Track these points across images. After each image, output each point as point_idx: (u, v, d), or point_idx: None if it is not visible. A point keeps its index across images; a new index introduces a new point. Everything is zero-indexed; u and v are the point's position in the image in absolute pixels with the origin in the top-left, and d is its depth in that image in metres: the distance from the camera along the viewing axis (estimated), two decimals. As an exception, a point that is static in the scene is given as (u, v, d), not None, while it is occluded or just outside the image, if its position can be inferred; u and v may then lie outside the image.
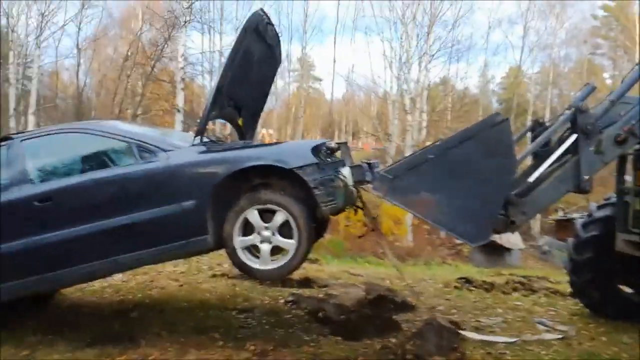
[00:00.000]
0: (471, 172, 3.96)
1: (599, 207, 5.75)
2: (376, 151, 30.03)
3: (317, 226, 4.56)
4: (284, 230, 4.02)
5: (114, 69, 24.54)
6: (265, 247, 4.05)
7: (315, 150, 4.02)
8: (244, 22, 4.59)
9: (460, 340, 4.64)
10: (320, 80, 41.01)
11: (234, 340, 4.58)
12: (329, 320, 5.22)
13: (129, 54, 21.63)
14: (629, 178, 5.39)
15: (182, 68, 17.45)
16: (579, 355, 4.49)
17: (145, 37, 22.68)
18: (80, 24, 24.36)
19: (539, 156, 4.85)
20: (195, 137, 4.43)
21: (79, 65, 24.67)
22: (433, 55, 21.03)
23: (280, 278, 4.52)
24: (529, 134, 5.50)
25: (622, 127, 4.41)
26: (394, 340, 4.63)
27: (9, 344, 4.33)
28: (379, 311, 5.47)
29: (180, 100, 17.34)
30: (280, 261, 4.08)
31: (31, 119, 19.51)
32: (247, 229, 4.09)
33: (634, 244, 5.03)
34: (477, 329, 5.24)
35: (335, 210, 4.08)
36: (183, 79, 17.54)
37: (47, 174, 4.45)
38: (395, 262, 4.84)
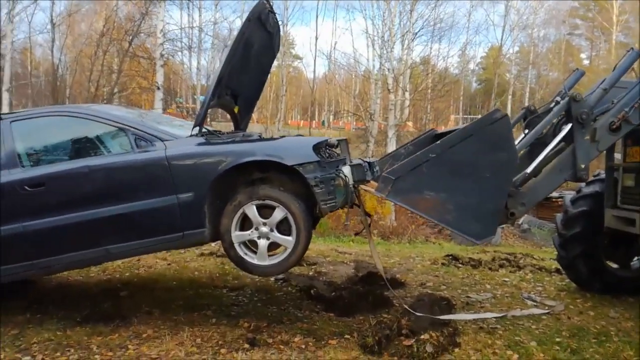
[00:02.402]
0: (473, 169, 3.94)
1: (588, 184, 5.81)
2: (358, 131, 30.04)
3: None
4: (283, 226, 3.98)
5: (90, 45, 23.83)
6: (263, 243, 4.01)
7: (317, 147, 3.97)
8: (249, 11, 4.50)
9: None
10: (301, 58, 40.67)
11: (227, 318, 4.56)
12: (321, 297, 5.23)
13: (105, 29, 21.03)
14: (618, 155, 5.45)
15: (162, 44, 17.00)
16: (569, 329, 4.56)
17: (122, 12, 22.10)
18: (54, -2, 23.58)
19: (532, 145, 4.84)
20: (194, 127, 4.32)
21: (53, 41, 23.87)
22: (416, 34, 20.95)
23: (277, 274, 4.51)
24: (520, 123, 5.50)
25: (617, 115, 4.39)
26: (386, 315, 4.65)
27: (-4, 323, 4.24)
28: (369, 288, 5.48)
29: (159, 78, 16.94)
30: (278, 257, 4.05)
31: (5, 96, 18.89)
32: (245, 223, 4.04)
33: (623, 220, 5.11)
34: (467, 304, 5.30)
35: (334, 209, 4.04)
36: (162, 55, 17.10)
37: (39, 158, 4.33)
38: (378, 264, 4.78)
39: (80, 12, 27.86)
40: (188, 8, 23.50)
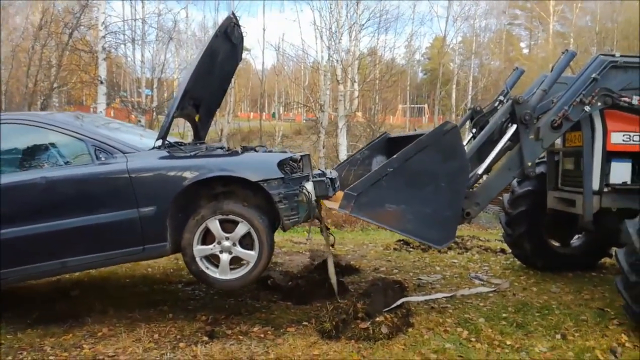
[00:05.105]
0: (429, 179, 4.13)
1: (533, 164, 6.10)
2: (309, 122, 30.12)
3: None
4: (245, 241, 4.00)
5: (26, 39, 22.69)
6: (225, 257, 4.02)
7: (281, 164, 4.01)
8: (217, 26, 4.62)
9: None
10: (249, 50, 40.18)
11: (184, 312, 4.55)
12: (277, 287, 5.29)
13: (43, 22, 20.08)
14: (558, 140, 5.75)
15: (104, 37, 16.43)
16: (514, 305, 4.82)
17: (60, 4, 21.15)
18: (-16, -11, 22.26)
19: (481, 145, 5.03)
20: (157, 139, 4.27)
21: (-15, 35, 22.57)
22: (363, 25, 21.17)
23: (239, 288, 4.54)
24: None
25: (557, 114, 4.64)
26: (342, 301, 4.75)
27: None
28: (325, 275, 5.57)
29: (102, 71, 16.38)
30: (240, 272, 4.06)
31: None
32: (207, 237, 4.03)
33: (564, 201, 5.41)
34: (418, 286, 5.50)
35: (296, 224, 4.12)
36: (105, 49, 16.54)
37: None
38: (333, 279, 4.83)
39: (15, 4, 26.49)
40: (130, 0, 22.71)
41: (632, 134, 4.85)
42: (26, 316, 4.36)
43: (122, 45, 21.08)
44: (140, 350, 3.75)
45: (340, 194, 4.35)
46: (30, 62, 20.69)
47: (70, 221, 3.95)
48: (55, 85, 21.13)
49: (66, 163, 4.15)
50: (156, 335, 4.02)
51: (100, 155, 4.05)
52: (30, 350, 3.75)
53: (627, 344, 3.88)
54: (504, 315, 4.53)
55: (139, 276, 5.90)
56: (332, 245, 5.24)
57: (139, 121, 19.53)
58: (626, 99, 4.68)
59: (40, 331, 4.08)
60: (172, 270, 6.15)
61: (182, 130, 20.36)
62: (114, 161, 4.02)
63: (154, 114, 21.64)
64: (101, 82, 16.15)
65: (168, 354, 3.69)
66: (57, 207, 3.99)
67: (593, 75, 4.65)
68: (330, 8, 19.64)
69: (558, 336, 4.06)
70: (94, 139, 4.11)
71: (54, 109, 21.78)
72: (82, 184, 4.02)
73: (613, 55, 4.78)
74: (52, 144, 4.22)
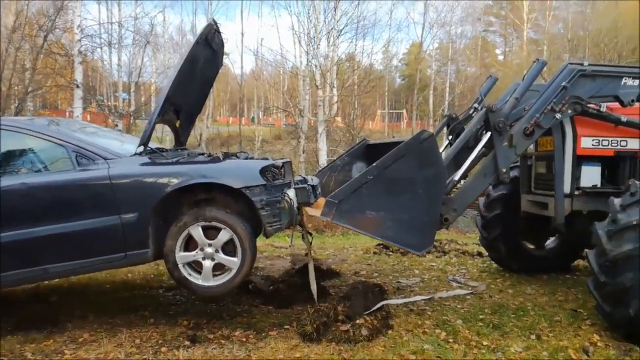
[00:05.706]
0: (407, 186, 4.22)
1: (507, 169, 6.25)
2: (288, 127, 30.14)
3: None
4: (228, 247, 4.03)
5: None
6: (207, 264, 4.03)
7: (263, 170, 4.04)
8: (198, 34, 4.65)
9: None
10: (227, 54, 40.01)
11: (165, 317, 4.56)
12: (259, 291, 5.32)
13: (16, 24, 19.75)
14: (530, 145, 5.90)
15: (80, 40, 16.26)
16: (490, 306, 4.94)
17: (34, 6, 20.82)
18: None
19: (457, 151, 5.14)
20: (139, 146, 4.26)
21: (-43, 37, 22.06)
22: (341, 31, 21.28)
23: (221, 294, 4.53)
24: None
25: (529, 121, 4.75)
26: (323, 304, 4.81)
27: None
28: (307, 279, 5.62)
29: (78, 75, 16.19)
30: (223, 278, 4.08)
31: None
32: (190, 244, 4.04)
33: (537, 204, 5.56)
34: (398, 289, 5.59)
35: (279, 230, 4.16)
36: (81, 52, 16.36)
37: None
38: (313, 286, 4.85)
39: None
40: (107, 3, 22.53)
41: (600, 138, 5.03)
42: (5, 323, 4.31)
43: (99, 49, 20.88)
44: (122, 355, 3.75)
45: (321, 200, 4.41)
46: (3, 65, 20.30)
47: (51, 227, 3.93)
48: (29, 89, 20.75)
49: (46, 169, 4.12)
50: (138, 340, 4.02)
51: (81, 161, 4.04)
52: (11, 357, 3.72)
53: (599, 343, 4.02)
54: (480, 316, 4.64)
55: (119, 282, 5.87)
56: (311, 243, 5.27)
57: (116, 125, 19.34)
58: (594, 107, 4.84)
59: (21, 337, 4.05)
60: (152, 276, 6.13)
61: (161, 134, 20.23)
62: (96, 167, 4.02)
63: (132, 118, 21.44)
64: (77, 86, 15.97)
65: (150, 358, 3.71)
66: (37, 213, 3.96)
67: (563, 84, 4.77)
68: (308, 13, 19.72)
69: (533, 336, 4.18)
70: (75, 145, 4.10)
71: (28, 113, 21.39)
72: (63, 190, 4.00)
73: (582, 64, 4.93)
74: (32, 150, 4.19)
